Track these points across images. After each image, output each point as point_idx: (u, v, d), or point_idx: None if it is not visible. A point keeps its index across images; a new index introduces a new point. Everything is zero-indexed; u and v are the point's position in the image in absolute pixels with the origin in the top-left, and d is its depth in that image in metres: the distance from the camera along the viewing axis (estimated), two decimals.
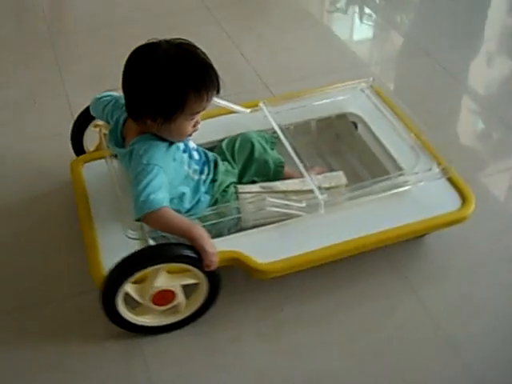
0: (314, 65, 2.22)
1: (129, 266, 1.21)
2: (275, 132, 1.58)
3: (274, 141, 1.61)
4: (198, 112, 1.28)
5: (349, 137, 1.71)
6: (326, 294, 1.43)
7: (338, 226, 1.39)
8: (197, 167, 1.42)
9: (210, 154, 1.51)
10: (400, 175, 1.45)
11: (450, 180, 1.48)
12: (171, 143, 1.32)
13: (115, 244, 1.30)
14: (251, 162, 1.54)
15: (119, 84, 1.27)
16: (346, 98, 1.68)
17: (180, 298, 1.30)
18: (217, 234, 1.36)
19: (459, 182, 1.48)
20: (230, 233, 1.39)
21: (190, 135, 1.34)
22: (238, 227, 1.41)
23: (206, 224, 1.32)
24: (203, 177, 1.44)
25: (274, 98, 1.76)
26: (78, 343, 1.32)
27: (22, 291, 1.44)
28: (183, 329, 1.36)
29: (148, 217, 1.21)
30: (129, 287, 1.24)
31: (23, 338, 1.34)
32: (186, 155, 1.38)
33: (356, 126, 1.69)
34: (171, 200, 1.32)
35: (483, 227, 1.59)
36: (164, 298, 1.28)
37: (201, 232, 1.24)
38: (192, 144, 1.44)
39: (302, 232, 1.38)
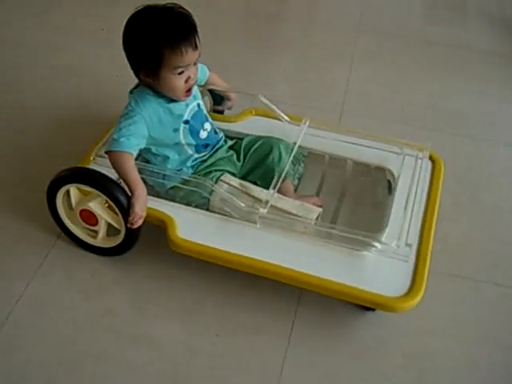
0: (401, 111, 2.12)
1: (72, 176, 1.41)
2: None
3: (300, 158, 1.63)
4: (180, 66, 1.37)
5: (374, 191, 1.64)
6: None
7: (262, 244, 1.37)
8: (193, 143, 1.51)
9: (221, 140, 1.59)
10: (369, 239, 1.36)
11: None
12: (171, 102, 1.44)
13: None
14: (261, 165, 1.58)
15: None
16: (397, 156, 1.59)
17: (100, 228, 1.47)
18: (184, 203, 1.47)
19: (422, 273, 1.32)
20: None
21: (189, 91, 1.43)
22: (204, 207, 1.49)
23: (173, 185, 1.45)
24: (196, 155, 1.53)
25: (322, 121, 1.74)
26: None
27: None
28: None
29: (111, 154, 1.38)
30: (72, 191, 1.45)
31: None
32: (184, 125, 1.48)
33: (390, 186, 1.59)
34: (155, 156, 1.48)
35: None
36: (89, 218, 1.46)
37: (141, 193, 1.37)
38: (207, 125, 1.54)
39: (232, 232, 1.40)
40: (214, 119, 1.71)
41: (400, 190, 1.49)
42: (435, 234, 1.41)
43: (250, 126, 1.69)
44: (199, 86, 1.66)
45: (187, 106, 1.49)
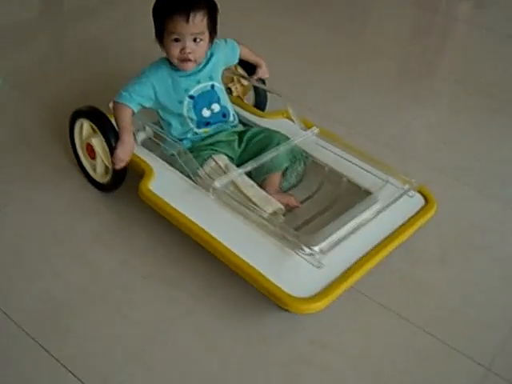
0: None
1: (84, 111, 1.66)
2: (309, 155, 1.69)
3: (300, 158, 1.69)
4: (174, 33, 1.53)
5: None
6: None
7: (209, 214, 1.48)
8: (194, 118, 1.64)
9: (230, 124, 1.71)
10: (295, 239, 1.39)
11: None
12: (182, 76, 1.61)
13: None
14: (258, 156, 1.65)
15: None
16: (385, 184, 1.58)
17: (97, 163, 1.68)
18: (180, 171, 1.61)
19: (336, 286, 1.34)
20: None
21: (184, 61, 1.56)
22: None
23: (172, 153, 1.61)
24: (196, 130, 1.66)
25: (331, 134, 1.77)
26: None
27: None
28: None
29: (114, 104, 1.60)
30: (85, 126, 1.68)
31: None
32: (188, 99, 1.62)
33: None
34: (162, 121, 1.67)
35: None
36: (90, 152, 1.68)
37: (126, 140, 1.56)
38: (216, 106, 1.66)
39: (192, 197, 1.52)
40: (246, 110, 1.85)
41: (367, 212, 1.48)
42: (388, 266, 1.44)
43: (275, 125, 1.77)
44: (230, 66, 1.83)
45: (198, 82, 1.64)
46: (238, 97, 1.95)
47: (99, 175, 1.71)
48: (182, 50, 1.56)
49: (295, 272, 1.35)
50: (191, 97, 1.63)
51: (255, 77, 1.88)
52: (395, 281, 1.54)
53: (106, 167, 1.67)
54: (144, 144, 1.69)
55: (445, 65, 2.78)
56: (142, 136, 1.69)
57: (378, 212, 1.48)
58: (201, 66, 1.64)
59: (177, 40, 1.55)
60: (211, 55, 1.67)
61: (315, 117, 1.90)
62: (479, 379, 1.32)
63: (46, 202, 1.70)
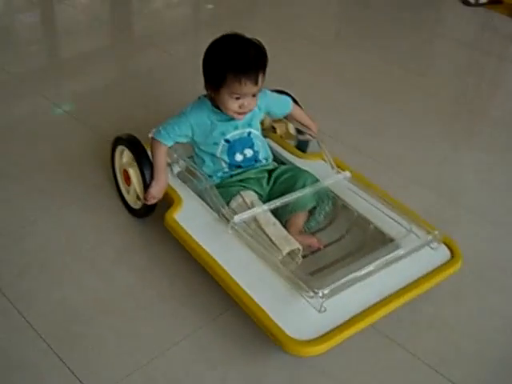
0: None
1: (124, 139, 1.74)
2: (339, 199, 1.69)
3: (327, 199, 1.68)
4: (236, 93, 1.57)
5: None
6: None
7: (224, 248, 1.51)
8: (227, 160, 1.67)
9: (259, 163, 1.72)
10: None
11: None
12: (222, 120, 1.64)
13: None
14: (286, 194, 1.66)
15: None
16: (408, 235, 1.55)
17: (131, 190, 1.75)
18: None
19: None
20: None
21: (241, 114, 1.61)
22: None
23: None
24: (227, 169, 1.69)
25: (362, 178, 1.75)
26: None
27: None
28: None
29: (152, 140, 1.67)
30: (126, 153, 1.76)
31: None
32: (224, 142, 1.66)
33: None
34: (196, 156, 1.72)
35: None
36: (126, 178, 1.76)
37: (161, 179, 1.64)
38: (248, 151, 1.68)
39: (213, 231, 1.56)
40: (286, 149, 1.87)
41: (383, 259, 1.45)
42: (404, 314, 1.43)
43: (311, 167, 1.77)
44: (277, 118, 1.87)
45: (236, 128, 1.67)
46: (281, 136, 1.97)
47: (132, 201, 1.78)
48: (241, 106, 1.60)
49: (298, 314, 1.35)
50: (227, 141, 1.67)
51: (301, 137, 1.90)
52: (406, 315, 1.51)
53: (138, 195, 1.74)
54: (179, 175, 1.74)
55: (499, 108, 2.67)
56: (176, 168, 1.75)
57: (395, 260, 1.45)
58: None
59: (238, 98, 1.59)
60: None
61: (358, 156, 1.90)
62: None
63: (76, 218, 1.80)
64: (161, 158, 1.66)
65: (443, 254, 1.54)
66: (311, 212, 1.70)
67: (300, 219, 1.66)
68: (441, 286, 1.53)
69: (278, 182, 1.71)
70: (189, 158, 1.74)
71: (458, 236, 1.62)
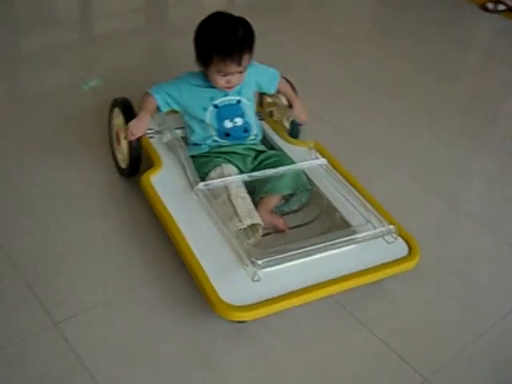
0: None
1: (116, 101, 1.83)
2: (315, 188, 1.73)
3: (305, 189, 1.72)
4: (222, 71, 1.64)
5: None
6: None
7: (186, 210, 1.58)
8: (216, 126, 1.74)
9: (251, 140, 1.78)
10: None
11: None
12: (212, 87, 1.72)
13: None
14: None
15: None
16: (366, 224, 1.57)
17: (121, 148, 1.83)
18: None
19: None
20: None
21: (229, 88, 1.69)
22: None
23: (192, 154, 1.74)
24: (216, 138, 1.75)
25: (339, 166, 1.80)
26: None
27: None
28: None
29: (144, 94, 1.76)
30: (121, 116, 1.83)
31: None
32: (212, 107, 1.72)
33: None
34: (187, 126, 1.79)
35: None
36: (117, 139, 1.84)
37: (141, 116, 1.71)
38: (239, 120, 1.74)
39: (182, 196, 1.62)
40: (278, 133, 1.92)
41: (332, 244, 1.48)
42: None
43: (295, 151, 1.82)
44: (268, 94, 1.93)
45: (225, 95, 1.73)
46: (277, 121, 2.01)
47: (121, 160, 1.86)
48: (228, 81, 1.68)
49: (234, 281, 1.40)
50: (216, 106, 1.74)
51: (289, 118, 1.93)
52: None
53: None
54: (167, 144, 1.81)
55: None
56: (166, 137, 1.81)
57: (342, 245, 1.47)
58: None
59: (224, 75, 1.67)
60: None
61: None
62: None
63: (70, 170, 1.92)
64: (146, 103, 1.74)
65: (400, 248, 1.55)
66: (287, 198, 1.74)
67: (273, 201, 1.70)
68: None
69: (263, 164, 1.75)
70: (178, 128, 1.81)
71: (427, 223, 1.69)
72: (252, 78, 1.79)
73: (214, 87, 1.73)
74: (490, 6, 3.40)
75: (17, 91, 2.47)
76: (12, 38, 2.77)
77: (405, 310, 1.56)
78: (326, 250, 1.46)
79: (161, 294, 1.52)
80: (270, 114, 2.02)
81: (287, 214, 1.74)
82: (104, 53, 2.73)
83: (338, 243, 1.47)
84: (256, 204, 1.67)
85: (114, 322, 1.44)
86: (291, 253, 1.41)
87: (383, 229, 1.52)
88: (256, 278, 1.36)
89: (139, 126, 1.71)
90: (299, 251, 1.42)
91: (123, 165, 1.85)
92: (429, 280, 1.65)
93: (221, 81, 1.68)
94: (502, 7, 3.39)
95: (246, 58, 1.65)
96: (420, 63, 2.89)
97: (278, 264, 1.40)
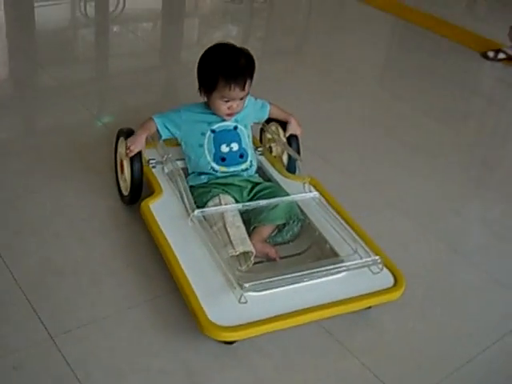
0: None
1: (123, 131, 1.91)
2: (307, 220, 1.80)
3: (297, 220, 1.79)
4: (226, 97, 1.75)
5: None
6: None
7: (181, 236, 1.66)
8: (213, 150, 1.82)
9: (246, 170, 1.86)
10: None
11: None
12: (212, 115, 1.83)
13: None
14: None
15: None
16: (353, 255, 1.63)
17: (125, 176, 1.92)
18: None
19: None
20: None
21: (230, 115, 1.80)
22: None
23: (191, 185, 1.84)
24: (213, 164, 1.83)
25: (331, 199, 1.88)
26: None
27: None
28: None
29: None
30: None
31: None
32: (210, 132, 1.82)
33: None
34: (185, 156, 1.90)
35: None
36: (121, 167, 1.94)
37: (139, 134, 1.83)
38: (235, 146, 1.83)
39: (177, 221, 1.70)
40: (275, 167, 2.00)
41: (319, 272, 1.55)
42: None
43: (290, 185, 1.90)
44: (260, 122, 2.04)
45: (223, 121, 1.84)
46: (276, 156, 2.10)
47: (123, 188, 1.95)
48: (230, 107, 1.79)
49: (222, 303, 1.46)
50: (213, 131, 1.84)
51: (287, 133, 2.03)
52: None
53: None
54: (168, 174, 1.89)
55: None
56: (169, 167, 1.89)
57: (330, 274, 1.54)
58: None
59: (227, 101, 1.77)
60: None
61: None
62: None
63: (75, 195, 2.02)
64: (145, 124, 1.86)
65: (386, 279, 1.61)
66: (280, 228, 1.81)
67: (266, 230, 1.77)
68: None
69: (258, 195, 1.83)
70: (179, 160, 1.91)
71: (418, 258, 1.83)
72: (250, 112, 1.91)
73: (212, 114, 1.83)
74: (491, 54, 3.53)
75: (31, 121, 2.59)
76: (32, 71, 2.90)
77: (391, 338, 1.62)
78: (313, 278, 1.52)
79: (154, 314, 1.58)
80: (270, 150, 2.11)
81: (280, 244, 1.80)
82: (118, 90, 2.84)
83: (325, 271, 1.54)
84: (250, 234, 1.74)
85: (107, 338, 1.50)
86: (278, 278, 1.48)
87: (369, 259, 1.58)
88: (243, 299, 1.43)
89: (136, 142, 1.82)
90: (286, 277, 1.49)
91: (125, 192, 1.94)
92: (416, 309, 1.71)
93: (223, 106, 1.78)
94: (502, 55, 3.52)
95: (248, 83, 1.76)
96: (421, 106, 2.98)
97: (265, 288, 1.46)
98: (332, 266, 1.55)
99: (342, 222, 1.75)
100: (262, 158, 2.04)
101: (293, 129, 2.03)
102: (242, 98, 1.79)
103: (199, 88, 1.83)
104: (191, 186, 1.84)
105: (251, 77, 1.78)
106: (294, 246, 1.81)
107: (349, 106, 2.87)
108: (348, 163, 2.39)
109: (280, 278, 1.48)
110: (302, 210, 1.81)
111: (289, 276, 1.49)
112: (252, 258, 1.66)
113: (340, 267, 1.55)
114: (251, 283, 1.44)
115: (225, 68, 1.74)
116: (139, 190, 1.87)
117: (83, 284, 1.66)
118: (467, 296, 1.81)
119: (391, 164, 2.44)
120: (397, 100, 3.04)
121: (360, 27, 3.91)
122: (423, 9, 4.20)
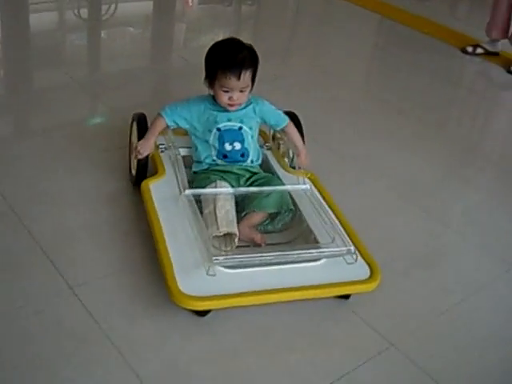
0: None
1: (136, 114, 2.06)
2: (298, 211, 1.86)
3: (288, 210, 1.85)
4: (225, 86, 1.83)
5: None
6: None
7: (172, 211, 1.76)
8: (217, 147, 1.91)
9: (248, 163, 1.95)
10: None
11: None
12: (219, 112, 1.91)
13: None
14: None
15: None
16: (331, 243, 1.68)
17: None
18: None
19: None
20: None
21: (232, 106, 1.88)
22: None
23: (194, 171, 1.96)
24: (215, 158, 1.93)
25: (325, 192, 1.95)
26: None
27: None
28: None
29: (156, 114, 1.98)
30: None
31: None
32: (216, 130, 1.90)
33: None
34: (193, 145, 1.99)
35: None
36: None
37: (148, 138, 1.93)
38: (237, 145, 1.91)
39: (173, 200, 1.81)
40: (279, 163, 2.07)
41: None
42: None
43: (291, 182, 1.96)
44: (275, 130, 2.10)
45: (229, 120, 1.92)
46: (283, 153, 2.17)
47: (133, 168, 2.06)
48: (230, 98, 1.87)
49: (193, 274, 1.55)
50: (218, 129, 1.92)
51: (295, 165, 2.06)
52: None
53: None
54: (171, 159, 1.98)
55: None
56: (174, 153, 1.99)
57: (301, 258, 1.61)
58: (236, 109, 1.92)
59: (226, 91, 1.87)
60: (249, 104, 1.95)
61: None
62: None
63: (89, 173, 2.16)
64: (155, 125, 1.95)
65: (362, 270, 1.65)
66: (273, 217, 1.88)
67: (256, 217, 1.84)
68: None
69: (254, 184, 1.91)
70: (183, 147, 2.02)
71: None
72: (257, 112, 1.96)
73: (219, 111, 1.91)
74: (470, 49, 3.81)
75: (43, 114, 2.63)
76: (27, 76, 3.06)
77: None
78: (284, 262, 1.59)
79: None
80: (278, 147, 2.18)
81: (270, 232, 1.86)
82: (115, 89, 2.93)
83: (296, 255, 1.59)
84: (241, 219, 1.82)
85: (122, 288, 1.67)
86: (247, 256, 1.54)
87: (344, 249, 1.63)
88: (211, 272, 1.51)
89: (145, 146, 1.93)
90: (255, 256, 1.56)
91: (134, 172, 2.05)
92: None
93: (224, 97, 1.86)
94: (480, 50, 3.79)
95: (246, 75, 1.83)
96: (405, 94, 3.22)
97: (234, 264, 1.54)
98: (304, 251, 1.60)
99: (330, 214, 1.80)
100: (269, 153, 2.12)
101: (300, 163, 2.03)
102: (242, 91, 1.86)
103: (205, 79, 1.93)
104: (194, 172, 1.95)
105: (251, 70, 1.85)
106: (283, 235, 1.86)
107: (335, 95, 3.04)
108: (334, 142, 2.55)
109: (249, 256, 1.55)
110: (294, 202, 1.87)
111: (258, 255, 1.56)
112: (236, 240, 1.73)
113: (311, 253, 1.60)
114: (220, 257, 1.51)
115: (223, 58, 1.84)
116: (144, 171, 1.98)
117: (93, 244, 1.82)
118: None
119: (375, 142, 2.62)
120: (383, 89, 3.29)
121: (346, 24, 4.15)
122: (406, 8, 4.45)
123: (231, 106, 1.89)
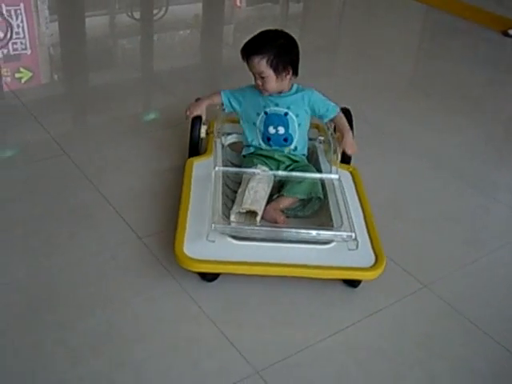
0: None
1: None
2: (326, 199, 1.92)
3: (317, 198, 1.92)
4: (250, 71, 1.98)
5: None
6: None
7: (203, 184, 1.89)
8: (262, 130, 2.04)
9: (292, 151, 2.04)
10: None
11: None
12: (268, 96, 2.02)
13: None
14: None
15: None
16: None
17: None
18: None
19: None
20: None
21: (266, 90, 1.99)
22: None
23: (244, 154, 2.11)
24: (260, 142, 2.05)
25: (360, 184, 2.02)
26: None
27: None
28: None
29: None
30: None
31: None
32: (263, 114, 2.03)
33: None
34: (242, 128, 2.13)
35: None
36: None
37: (200, 101, 2.14)
38: (281, 129, 2.02)
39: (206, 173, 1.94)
40: (327, 156, 2.13)
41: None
42: None
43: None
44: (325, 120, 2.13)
45: (276, 105, 2.03)
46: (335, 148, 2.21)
47: None
48: (262, 83, 2.00)
49: (199, 239, 1.66)
50: (266, 113, 2.04)
51: (340, 148, 2.07)
52: None
53: None
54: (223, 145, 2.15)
55: None
56: (230, 140, 2.18)
57: (306, 237, 1.67)
58: (283, 95, 2.03)
59: (254, 75, 2.01)
60: (297, 91, 2.04)
61: None
62: None
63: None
64: (211, 96, 2.15)
65: (367, 258, 1.67)
66: (305, 204, 1.95)
67: (285, 201, 1.92)
68: None
69: (292, 171, 2.00)
70: (231, 134, 2.19)
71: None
72: (305, 100, 2.04)
73: (268, 96, 2.03)
74: (511, 31, 3.95)
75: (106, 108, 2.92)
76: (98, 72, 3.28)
77: None
78: (284, 239, 1.66)
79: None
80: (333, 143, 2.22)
81: (299, 218, 1.93)
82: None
83: (295, 233, 1.66)
84: (271, 199, 1.91)
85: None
86: (246, 227, 1.63)
87: (343, 233, 1.66)
88: (210, 237, 1.62)
89: (196, 106, 2.12)
90: (254, 229, 1.66)
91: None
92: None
93: (256, 81, 2.01)
94: None
95: (255, 60, 1.93)
96: (449, 75, 3.38)
97: (232, 232, 1.65)
98: (303, 231, 1.66)
99: (355, 203, 1.85)
100: (321, 146, 2.18)
101: (346, 145, 2.03)
102: (263, 77, 1.96)
103: None
104: (244, 156, 2.09)
105: (267, 57, 1.92)
106: (310, 221, 1.91)
107: (380, 78, 3.20)
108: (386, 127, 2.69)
109: (244, 228, 1.66)
110: (325, 191, 1.92)
111: (251, 228, 1.66)
112: (258, 218, 1.82)
113: (309, 233, 1.66)
114: (221, 225, 1.63)
115: (249, 45, 1.98)
116: (196, 150, 2.12)
117: (156, 205, 2.04)
118: None
119: (411, 119, 2.78)
120: (429, 78, 3.39)
121: (392, 15, 4.31)
122: None
123: (262, 90, 2.01)
